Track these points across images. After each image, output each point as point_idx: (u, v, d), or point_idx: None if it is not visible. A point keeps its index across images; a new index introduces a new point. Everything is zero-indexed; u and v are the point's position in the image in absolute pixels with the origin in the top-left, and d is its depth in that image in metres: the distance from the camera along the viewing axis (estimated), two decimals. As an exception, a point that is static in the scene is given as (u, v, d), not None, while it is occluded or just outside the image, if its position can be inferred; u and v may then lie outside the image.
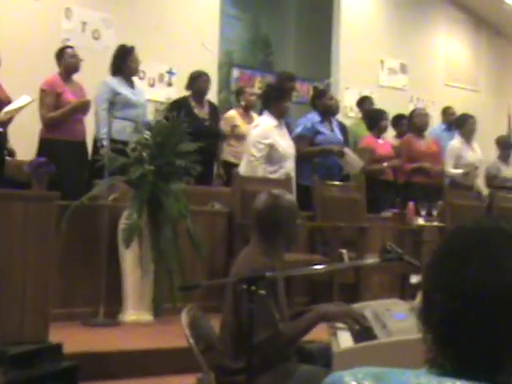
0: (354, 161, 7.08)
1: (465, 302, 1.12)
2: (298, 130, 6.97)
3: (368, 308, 3.06)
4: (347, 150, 7.07)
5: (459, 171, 8.01)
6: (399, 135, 8.44)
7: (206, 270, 5.60)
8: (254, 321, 2.48)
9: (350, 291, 5.85)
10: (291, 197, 3.25)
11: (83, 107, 6.09)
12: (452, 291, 1.13)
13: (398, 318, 2.76)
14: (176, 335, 2.80)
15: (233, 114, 7.40)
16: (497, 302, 1.11)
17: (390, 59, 10.22)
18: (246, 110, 7.38)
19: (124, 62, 6.31)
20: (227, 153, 7.32)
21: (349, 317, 2.89)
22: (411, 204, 6.82)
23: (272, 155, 6.19)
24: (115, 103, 5.84)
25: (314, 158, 6.93)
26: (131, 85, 6.43)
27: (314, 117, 7.04)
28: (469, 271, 1.13)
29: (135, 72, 6.50)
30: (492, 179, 8.68)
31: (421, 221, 6.71)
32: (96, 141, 6.22)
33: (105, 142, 5.69)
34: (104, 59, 6.56)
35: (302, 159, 6.74)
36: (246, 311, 2.58)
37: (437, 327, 1.15)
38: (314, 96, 7.49)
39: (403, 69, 10.35)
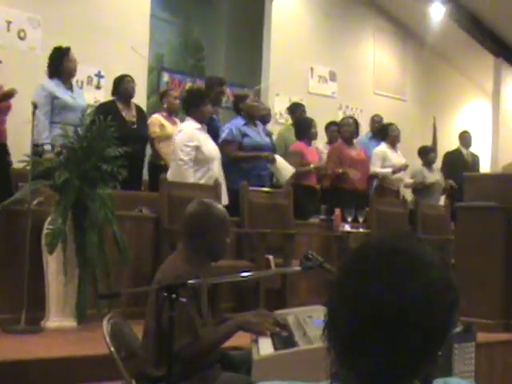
0: (284, 167, 7.13)
1: (366, 321, 1.14)
2: (224, 135, 6.99)
3: (290, 315, 3.09)
4: (278, 157, 7.12)
5: (388, 170, 8.17)
6: (330, 142, 8.56)
7: (133, 276, 5.55)
8: (173, 328, 2.48)
9: (276, 297, 5.89)
10: (222, 207, 3.25)
11: (9, 96, 5.93)
12: (354, 310, 1.15)
13: (318, 325, 2.78)
14: (100, 342, 2.76)
15: (157, 117, 7.36)
16: (396, 323, 1.13)
17: (319, 67, 10.34)
18: (169, 114, 7.36)
19: (61, 64, 6.23)
20: (155, 156, 7.28)
21: (265, 328, 2.89)
22: (338, 211, 6.92)
23: (198, 157, 6.20)
24: (54, 107, 5.77)
25: (244, 163, 6.95)
26: (70, 88, 6.35)
27: (238, 121, 7.08)
28: (370, 292, 1.15)
29: (73, 73, 6.41)
30: (418, 185, 8.88)
31: (347, 227, 6.81)
32: (37, 145, 6.08)
33: (46, 147, 5.64)
34: (29, 59, 6.44)
35: (230, 163, 6.77)
36: (166, 319, 2.57)
37: (340, 342, 1.17)
38: (235, 101, 7.53)
39: (332, 76, 10.49)
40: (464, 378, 4.51)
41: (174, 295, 2.46)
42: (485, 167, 11.06)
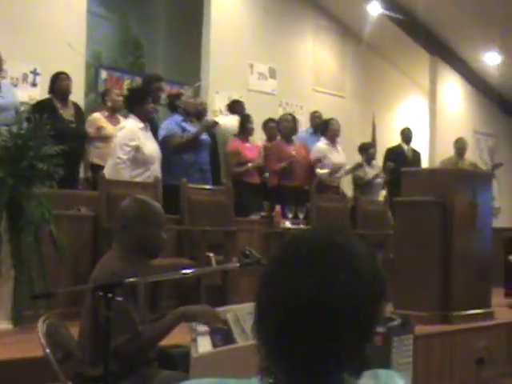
0: (228, 127, 7.27)
1: (296, 314, 1.13)
2: (164, 132, 6.95)
3: (230, 312, 3.08)
4: (220, 120, 7.23)
5: (325, 171, 8.23)
6: (269, 139, 8.57)
7: (71, 276, 5.47)
8: (110, 327, 2.44)
9: (217, 294, 5.88)
10: (157, 203, 3.23)
11: None
12: (286, 305, 1.14)
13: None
14: (37, 344, 2.71)
15: (97, 116, 7.26)
16: (326, 316, 1.13)
17: (259, 64, 10.36)
18: (112, 112, 7.27)
19: (-15, 63, 6.08)
20: (93, 155, 7.18)
21: (209, 317, 2.89)
22: (278, 207, 6.94)
23: (138, 158, 6.14)
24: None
25: (186, 151, 6.89)
26: (-3, 86, 6.21)
27: (176, 118, 7.06)
28: (302, 286, 1.14)
29: None
30: (358, 180, 8.97)
31: (288, 224, 6.84)
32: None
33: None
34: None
35: (173, 158, 6.74)
36: (102, 317, 2.54)
37: (270, 339, 1.16)
38: (170, 99, 7.51)
39: (272, 73, 10.52)
40: (402, 369, 4.58)
41: (109, 294, 2.43)
42: (423, 163, 11.25)
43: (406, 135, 9.94)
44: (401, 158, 9.52)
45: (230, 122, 7.38)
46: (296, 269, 1.16)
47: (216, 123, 7.16)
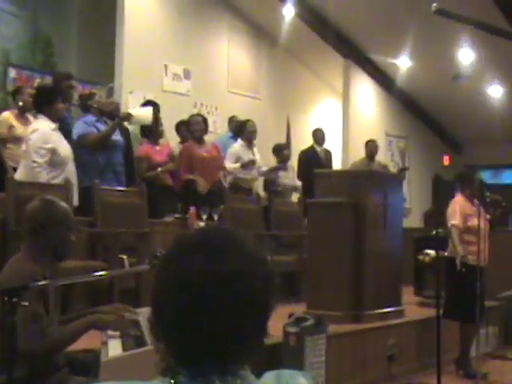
0: (142, 118, 7.27)
1: (192, 293, 1.15)
2: (79, 131, 6.82)
3: (143, 314, 3.06)
4: (133, 111, 7.18)
5: (237, 165, 8.24)
6: (182, 141, 8.53)
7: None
8: (16, 331, 2.38)
9: (130, 297, 5.81)
10: (65, 205, 3.17)
11: None
12: (180, 284, 1.16)
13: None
14: None
15: (7, 115, 7.05)
16: (222, 291, 1.15)
17: (173, 65, 10.30)
18: (22, 112, 7.08)
19: None
20: (5, 156, 6.97)
21: (120, 326, 2.86)
22: (192, 209, 6.92)
23: (54, 160, 5.99)
24: None
25: (101, 150, 6.78)
26: None
27: (89, 118, 6.96)
28: (194, 263, 1.17)
29: None
30: (270, 184, 9.04)
31: (202, 225, 6.82)
32: None
33: None
34: None
35: (87, 159, 6.64)
36: (8, 323, 2.47)
37: (168, 331, 1.16)
38: (82, 99, 7.39)
39: (187, 74, 10.47)
40: (315, 368, 4.65)
41: (15, 298, 2.36)
42: (336, 164, 11.43)
43: (318, 136, 10.06)
44: (313, 160, 9.64)
45: (144, 113, 7.32)
46: (187, 251, 1.20)
47: (130, 115, 7.07)
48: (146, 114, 7.28)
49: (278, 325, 4.68)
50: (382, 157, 11.80)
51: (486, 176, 13.33)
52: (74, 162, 6.26)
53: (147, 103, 8.64)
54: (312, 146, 10.06)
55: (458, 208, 6.28)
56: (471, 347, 6.35)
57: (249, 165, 8.38)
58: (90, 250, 6.05)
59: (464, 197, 6.33)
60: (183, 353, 1.15)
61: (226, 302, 1.15)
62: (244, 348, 1.17)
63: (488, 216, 6.48)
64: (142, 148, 7.72)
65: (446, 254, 7.31)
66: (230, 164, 8.30)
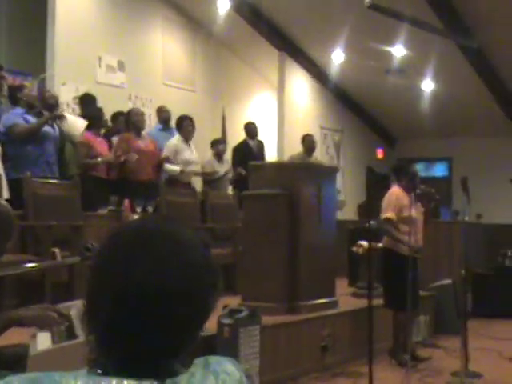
0: (73, 128, 7.13)
1: (131, 303, 1.12)
2: (9, 122, 6.67)
3: (74, 307, 3.01)
4: (68, 116, 7.07)
5: (176, 168, 8.19)
6: (118, 132, 8.44)
7: None
8: None
9: (64, 290, 5.73)
10: (5, 206, 3.06)
11: None
12: (118, 293, 1.13)
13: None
14: None
15: None
16: (158, 304, 1.13)
17: (107, 56, 10.16)
18: None
19: None
20: None
21: (47, 320, 2.80)
22: (127, 201, 6.86)
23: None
24: None
25: (31, 141, 6.64)
26: None
27: (17, 110, 6.82)
28: (134, 273, 1.13)
29: None
30: (209, 175, 9.02)
31: (136, 217, 6.77)
32: None
33: None
34: None
35: (17, 151, 6.50)
36: None
37: (102, 329, 1.15)
38: (11, 91, 7.25)
39: (121, 66, 10.36)
40: (250, 359, 4.67)
41: None
42: (272, 157, 11.49)
43: (250, 130, 10.08)
44: (246, 152, 9.66)
45: (77, 124, 7.18)
46: (126, 257, 1.15)
47: (63, 116, 6.95)
48: (78, 127, 7.15)
49: (212, 317, 4.68)
50: (317, 150, 11.90)
51: (419, 169, 13.60)
52: (2, 154, 6.13)
53: (85, 97, 8.53)
54: (244, 140, 10.06)
55: (394, 199, 6.38)
56: (408, 335, 6.50)
57: (186, 171, 8.32)
58: (21, 244, 5.93)
59: (400, 188, 6.41)
60: (112, 351, 1.14)
61: (161, 311, 1.13)
62: (175, 351, 1.17)
63: (423, 209, 6.61)
64: (85, 134, 7.62)
65: (380, 245, 7.45)
66: (168, 161, 8.17)
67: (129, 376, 1.12)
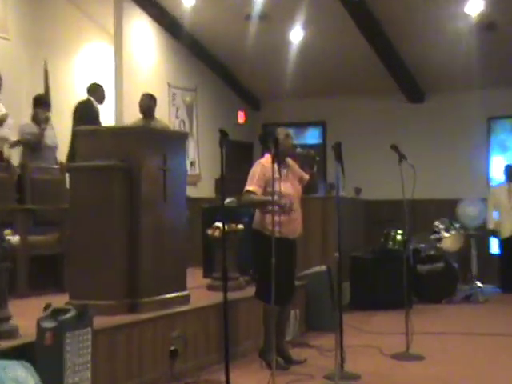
0: None
1: None
2: None
3: None
4: None
5: None
6: None
7: None
8: None
9: None
10: None
11: None
12: None
13: None
14: None
15: None
16: None
17: None
18: None
19: None
20: None
21: None
22: None
23: None
24: None
25: None
26: None
27: None
28: None
29: None
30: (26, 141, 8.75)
31: None
32: None
33: None
34: None
35: None
36: None
37: None
38: None
39: None
40: (79, 371, 4.58)
41: None
42: (109, 122, 11.32)
43: (99, 92, 9.82)
44: (92, 114, 9.43)
45: None
46: None
47: None
48: None
49: (30, 321, 4.55)
50: (164, 113, 11.84)
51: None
52: None
53: None
54: (89, 100, 9.75)
55: (259, 170, 6.40)
56: (281, 333, 6.60)
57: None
58: None
59: (271, 158, 6.24)
60: None
61: None
62: None
63: (306, 176, 6.70)
64: None
65: (241, 226, 7.52)
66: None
67: None
